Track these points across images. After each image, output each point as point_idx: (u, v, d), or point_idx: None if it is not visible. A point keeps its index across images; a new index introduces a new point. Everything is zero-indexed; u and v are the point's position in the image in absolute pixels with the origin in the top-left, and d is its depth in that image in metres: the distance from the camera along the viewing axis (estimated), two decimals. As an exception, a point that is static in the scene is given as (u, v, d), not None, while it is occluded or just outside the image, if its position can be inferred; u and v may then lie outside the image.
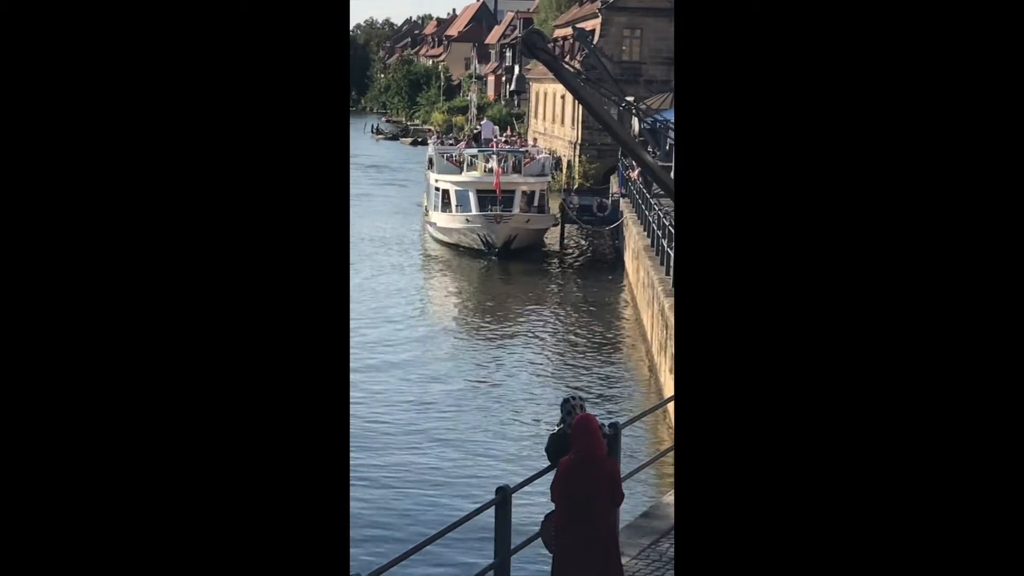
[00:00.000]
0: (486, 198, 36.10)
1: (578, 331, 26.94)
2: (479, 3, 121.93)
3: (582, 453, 7.12)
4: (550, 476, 7.98)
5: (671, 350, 18.71)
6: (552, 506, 7.34)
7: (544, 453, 8.19)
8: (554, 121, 59.31)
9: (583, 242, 40.43)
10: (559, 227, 39.00)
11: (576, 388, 20.52)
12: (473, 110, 65.92)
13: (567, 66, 7.97)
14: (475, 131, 48.72)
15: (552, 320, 28.34)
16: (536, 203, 37.45)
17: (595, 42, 48.84)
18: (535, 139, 54.24)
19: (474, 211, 36.07)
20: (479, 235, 35.69)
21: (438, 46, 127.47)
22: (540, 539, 7.61)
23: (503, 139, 44.63)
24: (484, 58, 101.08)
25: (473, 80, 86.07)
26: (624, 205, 36.86)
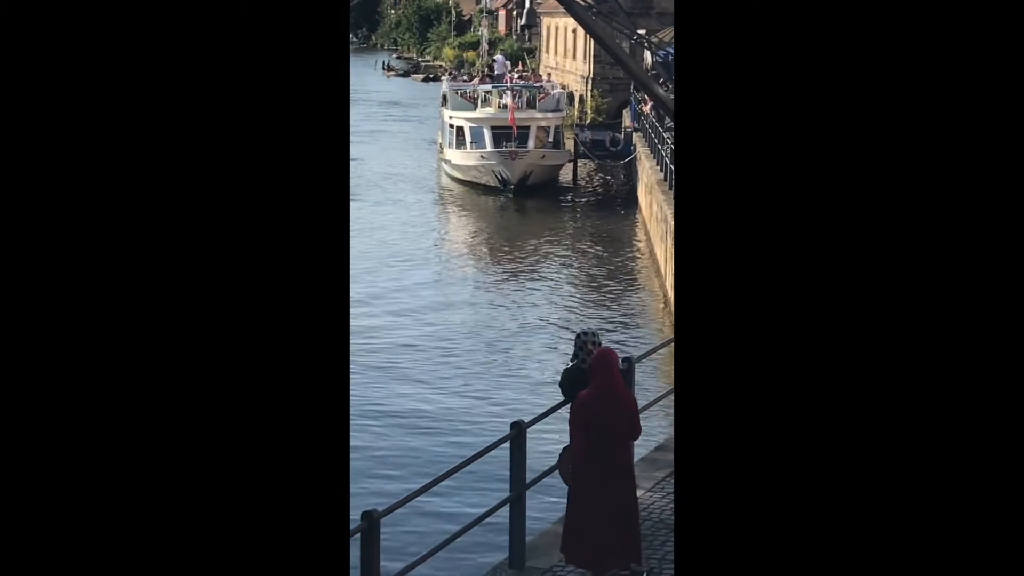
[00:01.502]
0: (501, 134, 35.93)
1: (592, 266, 26.95)
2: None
3: (601, 387, 7.14)
4: (565, 411, 8.03)
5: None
6: (568, 440, 7.39)
7: (559, 388, 8.23)
8: (566, 56, 58.85)
9: (596, 177, 40.30)
10: (572, 162, 38.86)
11: (590, 323, 20.57)
12: (484, 45, 65.43)
13: None
14: (489, 66, 48.40)
15: (566, 255, 28.34)
16: (551, 139, 37.29)
17: (607, -26, 48.32)
18: (548, 74, 53.84)
19: (489, 148, 35.92)
20: (494, 172, 35.58)
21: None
22: (556, 473, 7.66)
23: (516, 74, 44.33)
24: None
25: (484, 15, 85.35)
26: (637, 139, 36.68)
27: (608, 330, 20.38)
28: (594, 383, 7.18)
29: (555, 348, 19.37)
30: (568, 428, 7.32)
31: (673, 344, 17.83)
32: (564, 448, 7.55)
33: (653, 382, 16.69)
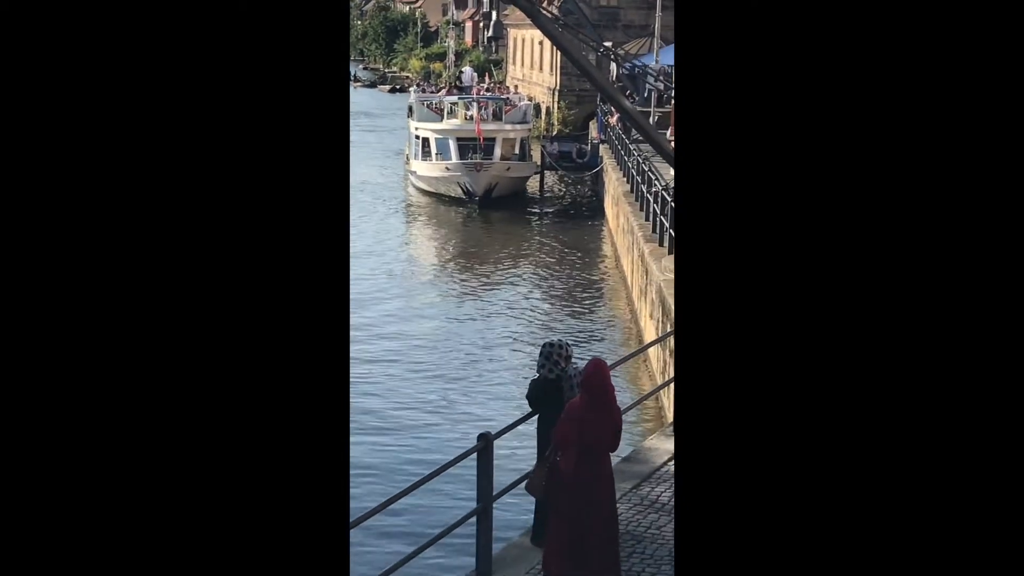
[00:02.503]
0: (466, 146, 35.99)
1: (559, 277, 26.99)
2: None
3: (595, 398, 7.09)
4: (532, 422, 8.02)
5: (651, 295, 18.77)
6: (537, 453, 7.36)
7: (526, 399, 8.21)
8: (532, 67, 59.00)
9: (563, 188, 40.39)
10: (539, 174, 38.94)
11: (557, 334, 20.58)
12: (451, 56, 65.50)
13: (545, 12, 7.92)
14: (457, 78, 48.46)
15: (532, 267, 28.37)
16: (517, 150, 37.37)
17: (573, -13, 48.48)
18: (515, 86, 53.96)
19: (454, 159, 35.95)
20: (459, 183, 35.61)
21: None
22: (524, 485, 7.61)
23: (485, 86, 44.43)
24: (461, 4, 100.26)
25: (451, 26, 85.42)
26: (603, 151, 36.80)
27: (575, 341, 20.42)
28: (588, 394, 7.12)
29: (522, 360, 19.38)
30: (553, 438, 7.26)
31: (640, 355, 17.86)
32: (541, 458, 7.51)
33: (621, 394, 16.73)
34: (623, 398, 16.17)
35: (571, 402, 7.27)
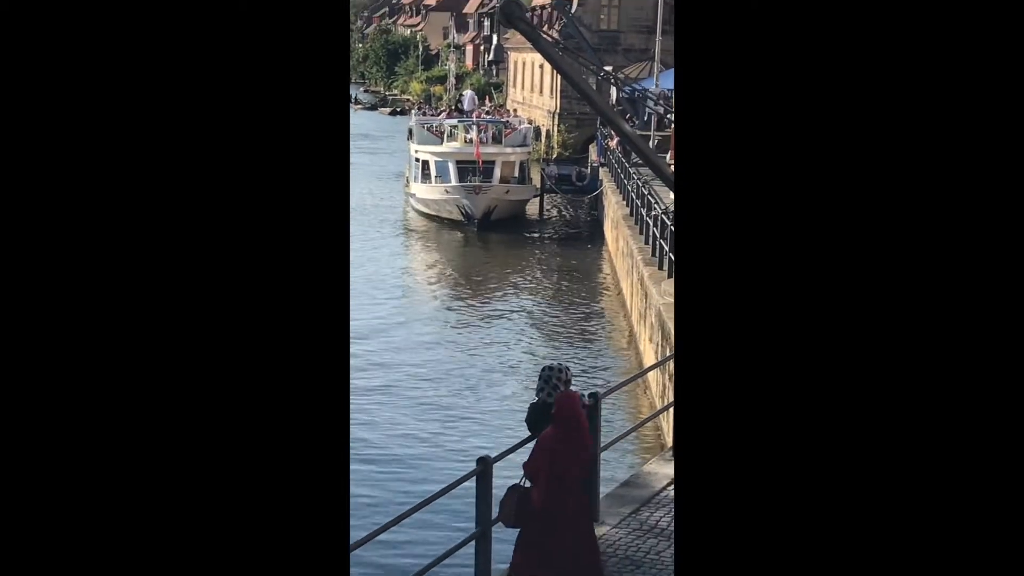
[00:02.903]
0: (466, 169, 36.03)
1: (557, 301, 26.98)
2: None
3: (567, 429, 7.13)
4: (531, 446, 8.01)
5: (650, 319, 18.75)
6: (515, 479, 7.37)
7: (525, 423, 8.19)
8: (533, 91, 59.15)
9: (562, 212, 40.43)
10: (539, 197, 38.99)
11: (556, 358, 20.56)
12: (452, 79, 65.68)
13: (545, 35, 7.94)
14: (457, 100, 48.59)
15: (531, 290, 28.36)
16: (516, 173, 37.41)
17: (573, 11, 48.70)
18: (515, 109, 54.06)
19: (453, 182, 35.99)
20: (458, 206, 35.64)
21: (416, 15, 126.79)
22: (498, 514, 7.60)
23: (485, 109, 44.52)
24: (462, 27, 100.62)
25: (451, 50, 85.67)
26: (603, 174, 36.85)
27: (573, 365, 20.39)
28: (559, 426, 7.16)
29: (521, 383, 19.35)
30: (524, 468, 7.30)
31: (639, 380, 17.83)
32: (510, 487, 7.52)
33: (619, 417, 16.71)
34: (622, 422, 16.16)
35: (543, 433, 7.31)
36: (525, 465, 7.29)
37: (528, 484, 7.25)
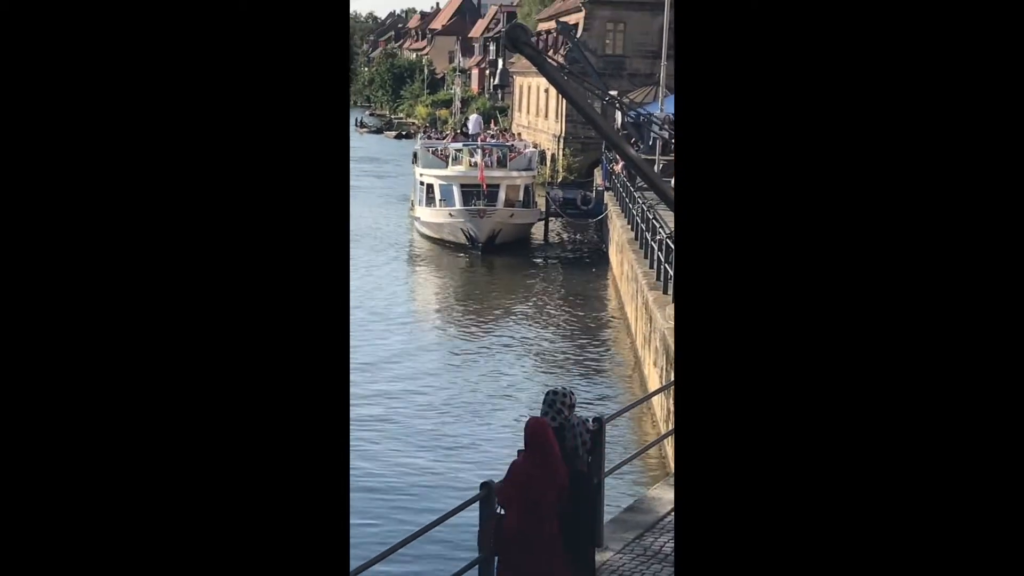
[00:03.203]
0: (470, 192, 36.07)
1: (562, 324, 26.95)
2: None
3: (539, 455, 7.16)
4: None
5: (655, 343, 18.72)
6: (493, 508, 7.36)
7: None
8: (538, 115, 59.29)
9: (567, 235, 40.45)
10: (544, 221, 39.01)
11: (560, 382, 20.52)
12: (457, 103, 65.87)
13: (550, 60, 7.96)
14: (463, 124, 48.71)
15: (536, 314, 28.34)
16: (521, 197, 37.44)
17: (578, 36, 48.83)
18: (519, 133, 54.19)
19: (458, 205, 36.03)
20: (463, 230, 35.67)
21: (422, 39, 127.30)
22: (477, 541, 7.59)
23: (491, 133, 44.59)
24: (468, 51, 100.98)
25: (457, 73, 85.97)
26: (608, 198, 36.88)
27: (578, 389, 20.34)
28: (531, 452, 7.19)
29: (525, 407, 19.30)
30: (497, 496, 7.30)
31: (643, 404, 17.76)
32: (486, 516, 7.50)
33: (624, 442, 16.66)
34: (626, 445, 16.11)
35: (514, 462, 7.32)
36: (498, 492, 7.29)
37: (502, 511, 7.27)
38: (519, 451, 7.39)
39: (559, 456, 7.29)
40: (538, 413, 7.85)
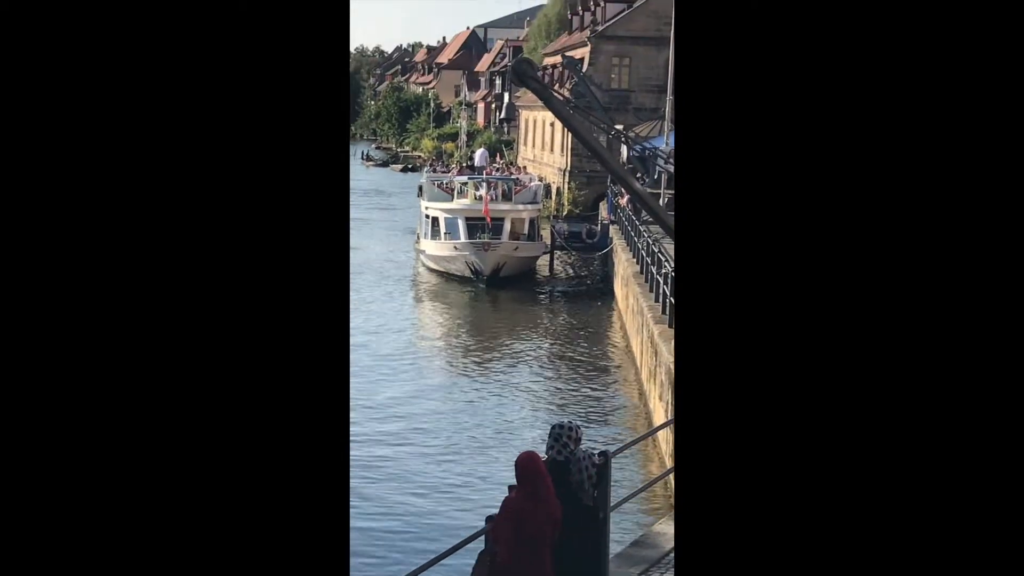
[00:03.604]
0: (475, 226, 36.12)
1: (567, 357, 26.90)
2: (469, 31, 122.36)
3: (531, 490, 7.12)
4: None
5: (660, 377, 18.68)
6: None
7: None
8: (543, 148, 59.44)
9: (573, 269, 40.45)
10: (549, 254, 39.04)
11: (566, 415, 20.46)
12: (463, 137, 66.06)
13: (556, 94, 7.98)
14: (469, 157, 48.84)
15: (541, 347, 28.30)
16: (526, 231, 37.49)
17: (584, 70, 49.03)
18: (525, 166, 54.34)
19: (463, 238, 36.08)
20: (467, 262, 35.70)
21: (428, 73, 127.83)
22: None
23: (497, 167, 44.71)
24: (474, 85, 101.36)
25: (463, 107, 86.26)
26: (613, 232, 36.91)
27: (584, 424, 20.27)
28: (523, 487, 7.14)
29: (531, 441, 19.23)
30: (490, 533, 7.25)
31: (649, 438, 17.67)
32: (481, 553, 7.45)
33: (630, 476, 16.58)
34: (632, 479, 16.03)
35: (506, 498, 7.26)
36: (492, 529, 7.25)
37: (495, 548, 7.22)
38: (510, 486, 7.36)
39: (551, 489, 7.25)
40: (543, 446, 7.82)
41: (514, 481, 7.29)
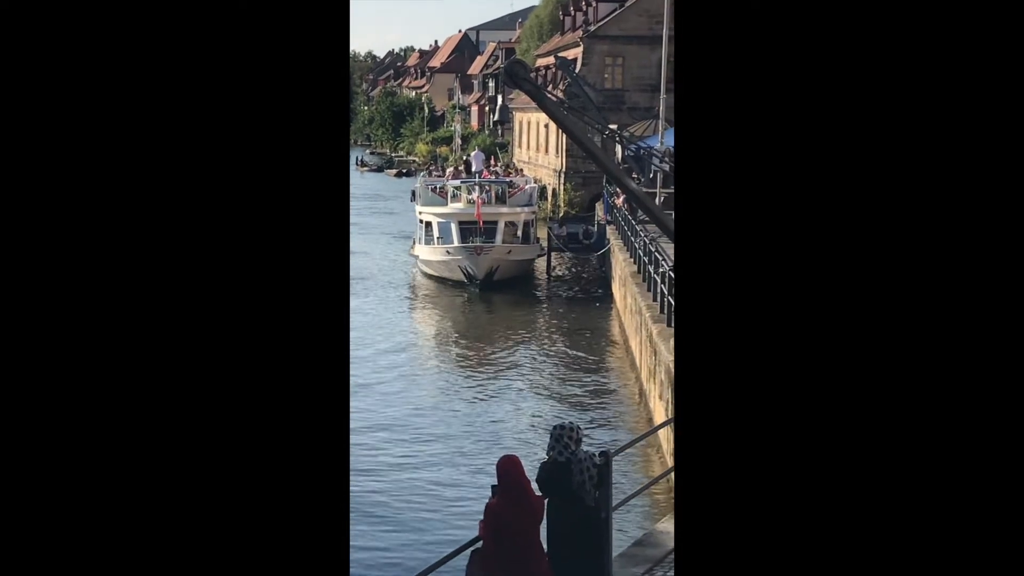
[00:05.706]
0: (468, 230, 36.02)
1: (566, 359, 26.88)
2: (461, 34, 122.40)
3: (512, 494, 7.15)
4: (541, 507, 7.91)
5: (660, 376, 18.66)
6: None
7: (537, 483, 8.11)
8: (538, 150, 59.46)
9: (570, 270, 40.43)
10: (545, 256, 38.98)
11: (565, 416, 20.44)
12: (457, 140, 66.10)
13: (550, 95, 7.96)
14: (465, 160, 48.81)
15: (539, 348, 28.28)
16: (519, 233, 37.39)
17: (577, 71, 49.05)
18: (520, 168, 54.37)
19: (455, 243, 35.99)
20: (460, 267, 35.62)
21: (421, 77, 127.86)
22: None
23: (495, 170, 44.67)
24: (467, 88, 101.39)
25: (456, 110, 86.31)
26: (610, 232, 36.89)
27: (584, 424, 20.25)
28: (504, 491, 7.17)
29: (531, 443, 19.21)
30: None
31: (649, 437, 17.66)
32: (473, 551, 7.47)
33: (631, 476, 16.56)
34: (633, 479, 16.01)
35: (488, 502, 7.30)
36: (480, 530, 7.32)
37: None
38: (492, 486, 7.40)
39: (531, 490, 7.28)
40: (544, 447, 7.83)
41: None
